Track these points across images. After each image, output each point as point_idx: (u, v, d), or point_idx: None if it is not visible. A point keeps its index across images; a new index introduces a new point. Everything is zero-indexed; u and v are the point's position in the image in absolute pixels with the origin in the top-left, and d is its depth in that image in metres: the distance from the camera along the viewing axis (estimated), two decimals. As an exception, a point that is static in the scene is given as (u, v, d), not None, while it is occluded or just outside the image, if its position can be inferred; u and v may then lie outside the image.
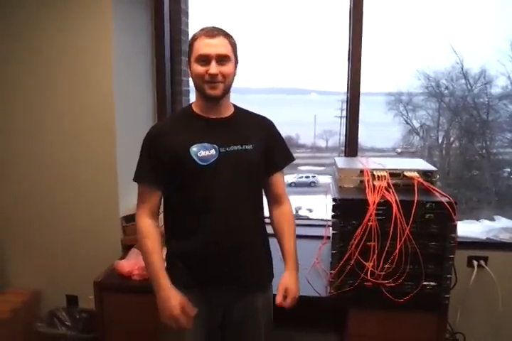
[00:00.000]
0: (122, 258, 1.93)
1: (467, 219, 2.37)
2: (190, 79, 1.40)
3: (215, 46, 1.31)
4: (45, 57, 2.05)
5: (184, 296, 1.33)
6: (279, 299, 1.37)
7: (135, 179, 1.41)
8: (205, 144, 1.34)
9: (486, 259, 2.11)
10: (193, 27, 2.56)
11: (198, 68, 1.32)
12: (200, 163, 1.33)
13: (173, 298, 1.31)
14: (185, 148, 1.34)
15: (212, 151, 1.34)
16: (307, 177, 6.68)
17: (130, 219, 2.08)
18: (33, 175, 2.14)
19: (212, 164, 1.33)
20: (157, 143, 1.37)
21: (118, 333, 1.76)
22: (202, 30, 1.35)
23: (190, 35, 1.41)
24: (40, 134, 2.11)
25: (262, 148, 1.43)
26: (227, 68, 1.33)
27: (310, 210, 5.44)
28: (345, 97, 2.33)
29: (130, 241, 2.04)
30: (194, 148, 1.33)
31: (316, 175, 6.67)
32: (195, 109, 1.42)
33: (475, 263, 2.10)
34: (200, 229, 1.35)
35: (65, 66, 2.05)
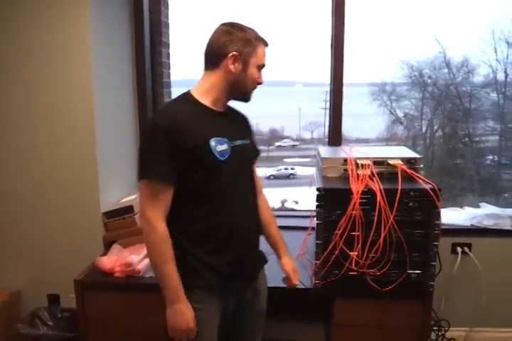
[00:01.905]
0: (104, 254, 1.90)
1: (451, 206, 2.37)
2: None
3: None
4: (16, 50, 1.97)
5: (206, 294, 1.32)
6: (295, 280, 1.49)
7: (151, 177, 1.26)
8: (219, 138, 1.30)
9: (469, 246, 2.12)
10: (174, 18, 2.51)
11: (257, 74, 1.35)
12: (220, 157, 1.29)
13: (190, 311, 1.27)
14: (204, 141, 1.27)
15: (225, 146, 1.31)
16: (286, 168, 6.76)
17: (111, 214, 2.04)
18: (9, 173, 2.07)
19: (228, 158, 1.31)
20: (174, 135, 1.24)
21: (101, 332, 1.73)
22: (254, 32, 1.34)
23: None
24: (17, 131, 2.04)
25: (251, 142, 1.46)
26: None
27: (296, 202, 5.45)
28: (329, 88, 2.31)
29: (112, 237, 2.00)
30: (212, 142, 1.28)
31: (294, 166, 6.74)
32: (200, 99, 1.33)
33: (459, 250, 2.12)
34: (222, 225, 1.32)
35: (39, 61, 1.97)
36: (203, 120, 1.31)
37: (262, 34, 1.37)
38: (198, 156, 1.27)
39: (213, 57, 1.32)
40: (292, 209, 2.93)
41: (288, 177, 6.73)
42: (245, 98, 1.39)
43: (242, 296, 1.42)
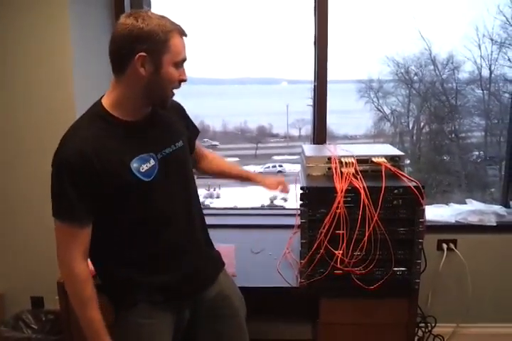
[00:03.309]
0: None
1: (438, 203, 2.39)
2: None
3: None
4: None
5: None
6: (286, 188, 1.65)
7: (60, 218, 1.13)
8: (143, 155, 1.16)
9: (455, 242, 2.13)
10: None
11: (175, 72, 1.13)
12: (145, 179, 1.15)
13: None
14: (124, 166, 1.13)
15: (152, 162, 1.17)
16: (274, 166, 6.81)
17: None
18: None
19: (157, 175, 1.18)
20: (83, 170, 1.09)
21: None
22: (164, 22, 1.09)
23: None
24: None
25: (187, 136, 1.34)
26: None
27: (285, 199, 5.47)
28: (313, 85, 2.30)
29: (96, 238, 1.98)
30: (134, 164, 1.14)
31: (282, 164, 6.79)
32: (114, 112, 1.15)
33: (444, 246, 2.13)
34: (165, 245, 1.23)
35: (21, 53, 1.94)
36: (121, 139, 1.14)
37: (175, 20, 1.12)
38: (122, 184, 1.13)
39: (118, 59, 1.11)
40: (281, 207, 2.92)
41: (276, 174, 6.76)
42: (163, 103, 1.19)
43: (204, 302, 1.34)
